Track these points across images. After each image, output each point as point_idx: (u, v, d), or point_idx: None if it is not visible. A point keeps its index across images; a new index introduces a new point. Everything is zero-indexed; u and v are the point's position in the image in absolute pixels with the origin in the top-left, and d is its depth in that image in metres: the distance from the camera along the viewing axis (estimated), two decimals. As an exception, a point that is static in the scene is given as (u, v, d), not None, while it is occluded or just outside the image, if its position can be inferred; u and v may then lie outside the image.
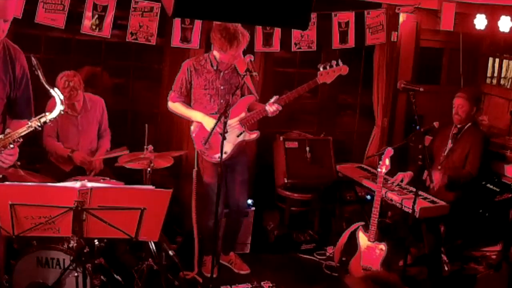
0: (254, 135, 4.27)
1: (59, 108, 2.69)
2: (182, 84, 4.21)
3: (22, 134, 2.73)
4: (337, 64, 4.13)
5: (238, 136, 4.20)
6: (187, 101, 4.28)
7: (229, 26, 3.91)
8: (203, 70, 4.17)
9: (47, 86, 2.65)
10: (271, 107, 4.09)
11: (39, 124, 2.71)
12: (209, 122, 4.10)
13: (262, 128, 5.34)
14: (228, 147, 4.15)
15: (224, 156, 4.08)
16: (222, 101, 4.15)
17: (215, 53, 4.12)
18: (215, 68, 4.15)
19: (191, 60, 4.26)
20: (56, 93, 2.68)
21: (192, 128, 4.29)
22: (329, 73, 4.11)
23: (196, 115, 4.20)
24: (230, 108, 3.93)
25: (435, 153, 4.70)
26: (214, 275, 4.28)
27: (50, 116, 2.71)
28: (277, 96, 4.13)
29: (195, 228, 4.36)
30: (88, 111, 4.35)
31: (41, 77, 2.63)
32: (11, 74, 2.81)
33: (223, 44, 3.95)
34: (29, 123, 2.72)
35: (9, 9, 2.69)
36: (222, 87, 4.17)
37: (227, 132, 3.92)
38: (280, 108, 4.13)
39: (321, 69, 4.12)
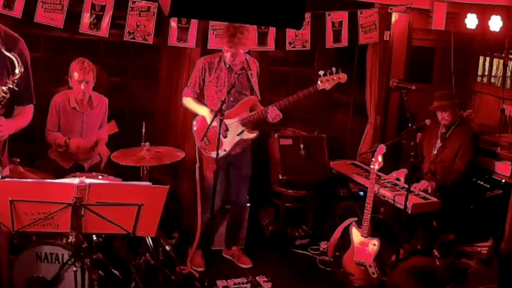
0: (254, 134, 4.35)
1: (18, 70, 2.82)
2: (195, 82, 4.32)
3: (2, 94, 2.84)
4: (337, 72, 4.23)
5: (238, 135, 4.28)
6: (200, 98, 4.36)
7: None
8: (216, 68, 4.27)
9: (5, 52, 2.79)
10: (270, 113, 4.18)
11: (10, 83, 2.82)
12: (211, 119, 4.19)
13: (257, 125, 5.40)
14: (227, 145, 4.24)
15: (223, 153, 4.17)
16: (232, 99, 4.23)
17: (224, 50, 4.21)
18: (227, 66, 4.24)
19: (206, 58, 4.35)
20: (14, 57, 2.81)
21: (194, 122, 4.38)
22: (328, 81, 4.21)
23: (202, 110, 4.29)
24: (225, 105, 3.98)
25: (425, 151, 4.77)
26: (202, 269, 4.38)
27: (16, 76, 2.83)
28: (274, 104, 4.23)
29: (199, 222, 4.43)
30: (94, 109, 4.41)
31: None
32: (9, 64, 2.89)
33: (226, 31, 4.07)
34: (6, 81, 2.84)
35: None
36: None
37: (228, 130, 4.00)
38: (280, 115, 4.22)
39: (321, 75, 4.21)
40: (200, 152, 4.39)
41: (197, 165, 4.36)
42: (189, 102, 4.37)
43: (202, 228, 4.45)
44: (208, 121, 4.17)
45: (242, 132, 4.29)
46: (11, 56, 2.80)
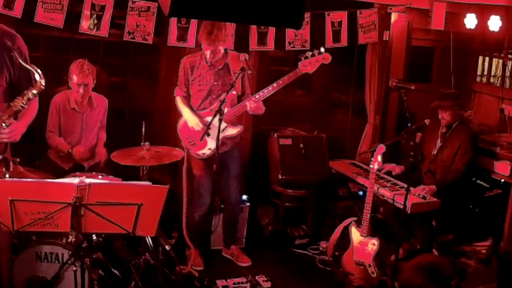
0: (237, 129, 4.28)
1: (39, 81, 2.85)
2: (182, 81, 4.32)
3: (21, 105, 2.87)
4: (320, 53, 4.02)
5: (221, 132, 4.25)
6: (189, 96, 4.36)
7: None
8: (198, 67, 4.25)
9: (25, 65, 2.83)
10: (249, 103, 4.12)
11: (30, 95, 2.86)
12: (191, 121, 4.22)
13: (257, 125, 5.43)
14: (212, 144, 4.19)
15: (209, 152, 4.17)
16: (214, 96, 4.22)
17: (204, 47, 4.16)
18: (209, 64, 4.22)
19: (189, 57, 4.34)
20: (34, 69, 2.84)
21: (178, 124, 4.38)
22: (311, 63, 4.01)
23: (184, 112, 4.31)
24: (224, 104, 3.98)
25: (425, 151, 4.78)
26: (201, 268, 4.38)
27: (34, 90, 2.86)
28: (256, 94, 4.15)
29: (184, 224, 4.44)
30: (94, 109, 4.42)
31: (17, 56, 2.83)
32: (8, 60, 2.91)
33: (203, 28, 4.03)
34: (25, 93, 2.87)
35: None
36: (215, 83, 4.23)
37: (210, 128, 4.01)
38: (262, 107, 4.17)
39: (302, 59, 4.01)
40: (188, 153, 4.38)
41: (185, 166, 4.36)
42: (178, 102, 4.38)
43: (193, 226, 4.46)
44: (189, 124, 4.21)
45: (225, 128, 4.22)
46: (31, 69, 2.83)
